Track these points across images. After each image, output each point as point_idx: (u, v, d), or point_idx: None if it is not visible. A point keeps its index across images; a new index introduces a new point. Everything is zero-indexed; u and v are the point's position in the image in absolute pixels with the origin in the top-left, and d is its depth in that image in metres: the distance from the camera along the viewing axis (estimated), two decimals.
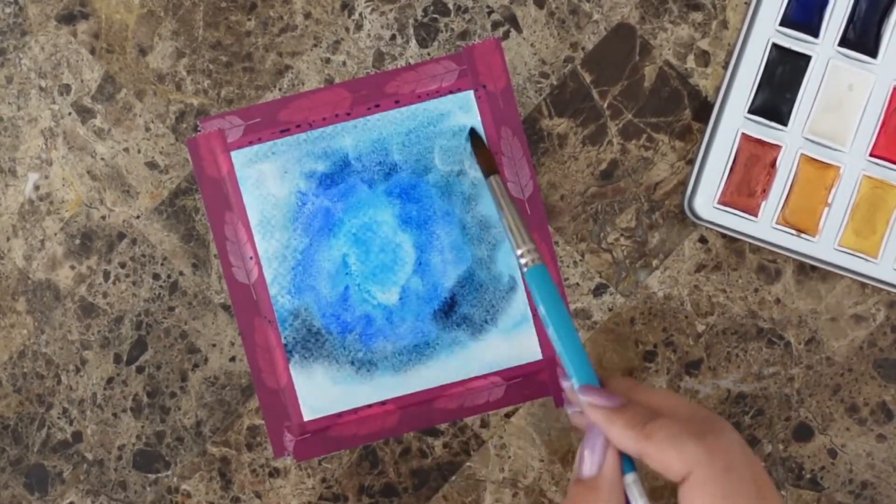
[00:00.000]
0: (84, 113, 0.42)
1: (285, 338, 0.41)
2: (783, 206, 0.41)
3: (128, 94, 0.42)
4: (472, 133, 0.41)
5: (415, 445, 0.42)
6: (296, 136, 0.41)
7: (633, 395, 0.34)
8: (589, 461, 0.33)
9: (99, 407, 0.42)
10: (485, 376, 0.41)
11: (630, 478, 0.33)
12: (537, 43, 0.42)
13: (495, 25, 0.42)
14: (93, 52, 0.42)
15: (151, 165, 0.42)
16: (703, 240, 0.42)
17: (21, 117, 0.42)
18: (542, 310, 0.36)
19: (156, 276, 0.42)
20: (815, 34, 0.41)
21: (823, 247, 0.41)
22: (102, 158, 0.42)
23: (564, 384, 0.36)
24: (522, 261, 0.37)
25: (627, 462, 0.33)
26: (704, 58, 0.42)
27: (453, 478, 0.42)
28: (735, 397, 0.42)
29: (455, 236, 0.41)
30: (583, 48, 0.42)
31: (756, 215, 0.41)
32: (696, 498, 0.31)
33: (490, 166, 0.39)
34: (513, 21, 0.42)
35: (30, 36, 0.42)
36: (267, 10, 0.42)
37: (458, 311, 0.41)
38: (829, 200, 0.41)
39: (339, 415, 0.41)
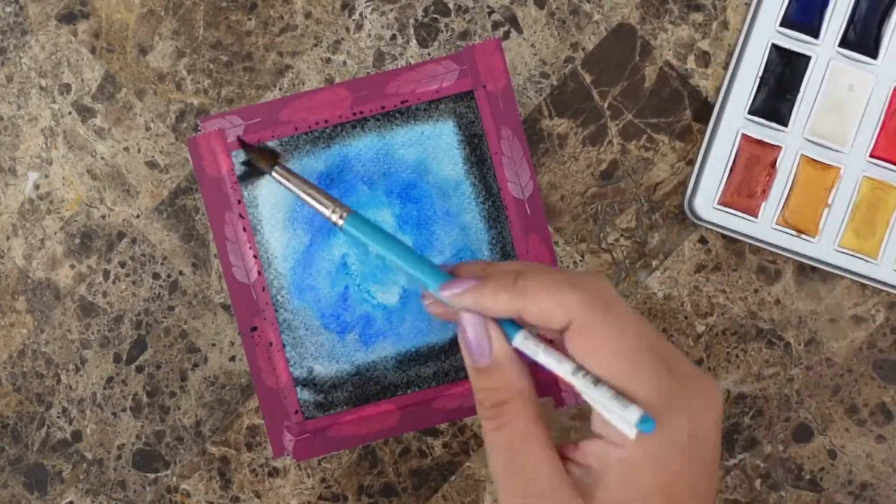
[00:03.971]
0: (84, 112, 0.42)
1: (285, 338, 0.41)
2: (783, 206, 0.41)
3: (128, 94, 0.42)
4: (241, 142, 0.40)
5: (414, 445, 0.42)
6: (296, 135, 0.41)
7: (489, 270, 0.34)
8: (478, 348, 0.32)
9: (98, 406, 0.42)
10: None
11: (520, 337, 0.32)
12: (538, 43, 0.42)
13: (496, 25, 0.42)
14: (93, 51, 0.42)
15: (151, 165, 0.42)
16: (703, 240, 0.42)
17: (21, 116, 0.42)
18: (375, 248, 0.35)
19: (156, 276, 0.42)
20: (816, 35, 0.41)
21: (823, 248, 0.41)
22: (102, 158, 0.42)
23: (425, 301, 0.35)
24: (335, 218, 0.36)
25: (508, 329, 0.32)
26: (705, 58, 0.42)
27: (453, 478, 0.42)
28: (735, 398, 0.42)
29: (455, 236, 0.41)
30: (583, 48, 0.42)
31: (756, 216, 0.41)
32: (580, 343, 0.30)
33: (267, 161, 0.38)
34: (513, 21, 0.42)
35: (30, 35, 0.42)
36: (267, 10, 0.42)
37: None
38: (830, 201, 0.41)
39: (339, 415, 0.41)
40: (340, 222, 0.36)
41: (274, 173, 0.38)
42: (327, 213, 0.37)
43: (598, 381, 0.30)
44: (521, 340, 0.32)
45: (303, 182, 0.37)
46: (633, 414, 0.29)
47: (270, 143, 0.41)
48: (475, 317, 0.32)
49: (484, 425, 0.32)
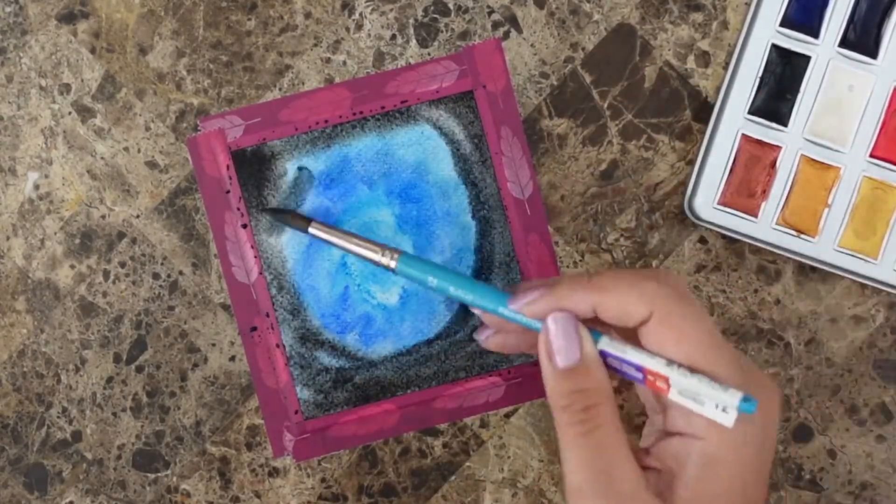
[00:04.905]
0: (84, 112, 0.42)
1: (285, 337, 0.41)
2: (783, 206, 0.41)
3: (128, 94, 0.42)
4: (270, 210, 0.41)
5: (414, 445, 0.42)
6: (296, 135, 0.41)
7: (554, 278, 0.34)
8: (567, 348, 0.32)
9: (98, 406, 0.42)
10: (485, 376, 0.41)
11: (605, 340, 0.32)
12: (537, 43, 0.42)
13: (495, 25, 0.42)
14: (93, 51, 0.42)
15: (151, 165, 0.42)
16: (702, 240, 0.42)
17: (21, 116, 0.42)
18: (432, 283, 0.36)
19: (156, 276, 0.42)
20: (816, 35, 0.41)
21: (823, 248, 0.41)
22: (102, 158, 0.42)
23: (481, 336, 0.37)
24: (386, 262, 0.37)
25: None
26: (705, 58, 0.42)
27: (453, 478, 0.42)
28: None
29: (455, 236, 0.41)
30: (583, 48, 0.42)
31: (756, 216, 0.41)
32: (662, 334, 0.30)
33: (300, 221, 0.39)
34: (513, 21, 0.42)
35: (30, 35, 0.42)
36: (267, 10, 0.42)
37: (457, 310, 0.41)
38: (829, 201, 0.41)
39: (339, 415, 0.41)
40: (393, 264, 0.37)
41: (311, 229, 0.39)
42: (377, 257, 0.37)
43: (692, 370, 0.30)
44: (608, 342, 0.32)
45: (343, 233, 0.38)
46: (735, 396, 0.29)
47: (269, 143, 0.41)
48: (564, 317, 0.32)
49: (568, 430, 0.31)
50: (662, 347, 0.30)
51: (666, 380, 0.30)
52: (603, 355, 0.32)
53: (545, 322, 0.32)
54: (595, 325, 0.33)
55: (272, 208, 0.41)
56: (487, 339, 0.37)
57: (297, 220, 0.39)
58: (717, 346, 0.30)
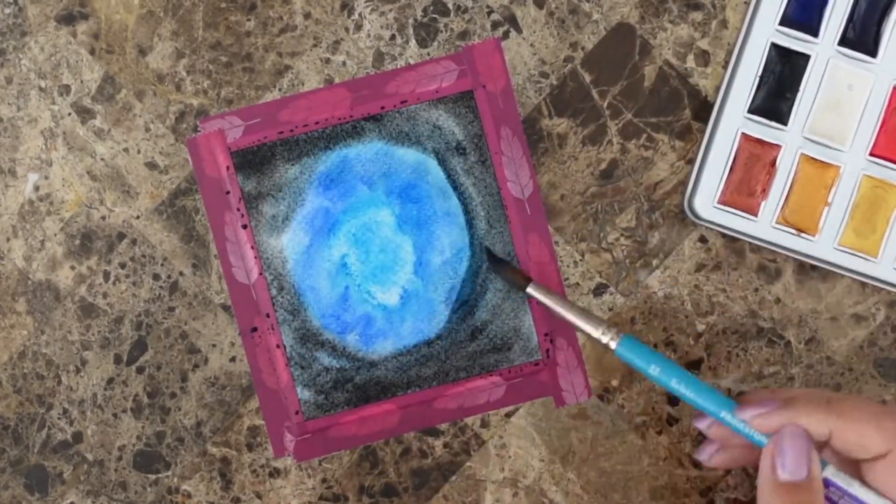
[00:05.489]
0: (84, 113, 0.42)
1: (285, 338, 0.41)
2: (783, 205, 0.41)
3: (127, 95, 0.42)
4: (490, 254, 0.41)
5: (415, 445, 0.42)
6: (296, 136, 0.41)
7: (790, 393, 0.34)
8: (797, 462, 0.32)
9: (99, 407, 0.42)
10: (485, 376, 0.41)
11: (831, 469, 0.32)
12: (537, 43, 0.42)
13: (495, 25, 0.42)
14: (92, 52, 0.42)
15: (151, 166, 0.42)
16: (703, 239, 0.42)
17: (21, 118, 0.42)
18: (652, 372, 0.36)
19: (156, 277, 0.42)
20: (815, 34, 0.41)
21: (823, 246, 0.41)
22: (102, 159, 0.42)
23: (701, 425, 0.36)
24: (604, 341, 0.37)
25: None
26: (704, 57, 0.42)
27: (453, 478, 0.42)
28: (735, 397, 0.42)
29: (455, 236, 0.41)
30: (582, 48, 0.42)
31: (756, 215, 0.41)
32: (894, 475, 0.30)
33: (521, 279, 0.39)
34: (512, 21, 0.42)
35: (29, 36, 0.42)
36: (267, 11, 0.42)
37: (458, 310, 0.41)
38: (829, 200, 0.41)
39: (339, 415, 0.41)
40: (613, 345, 0.36)
41: (530, 289, 0.38)
42: (597, 334, 0.37)
43: None
44: (833, 472, 0.32)
45: (562, 300, 0.38)
46: None
47: (269, 143, 0.41)
48: (800, 433, 0.32)
49: None
50: (892, 489, 0.30)
51: None
52: (825, 484, 0.32)
53: (780, 432, 0.32)
54: (820, 450, 0.33)
55: (494, 255, 0.40)
56: (711, 457, 0.37)
57: (515, 275, 0.39)
58: None
